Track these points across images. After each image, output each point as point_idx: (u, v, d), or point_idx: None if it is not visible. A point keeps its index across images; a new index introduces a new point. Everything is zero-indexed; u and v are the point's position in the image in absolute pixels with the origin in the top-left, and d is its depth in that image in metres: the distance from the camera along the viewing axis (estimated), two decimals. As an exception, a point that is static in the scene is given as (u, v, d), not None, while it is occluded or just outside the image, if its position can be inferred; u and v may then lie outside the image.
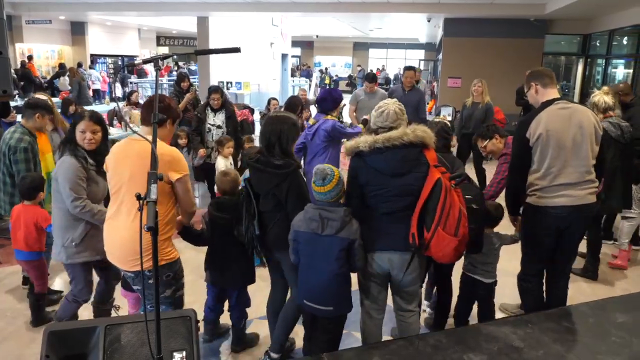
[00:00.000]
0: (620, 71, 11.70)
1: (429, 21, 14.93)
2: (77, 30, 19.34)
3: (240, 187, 3.23)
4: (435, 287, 3.62)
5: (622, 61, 11.65)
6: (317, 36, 27.63)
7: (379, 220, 2.67)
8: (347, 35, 25.19)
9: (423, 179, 2.56)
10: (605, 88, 4.64)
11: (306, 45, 29.91)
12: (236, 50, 1.89)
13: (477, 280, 3.31)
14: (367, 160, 2.63)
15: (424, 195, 2.54)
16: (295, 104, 5.26)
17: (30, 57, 16.48)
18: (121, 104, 9.65)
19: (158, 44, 27.48)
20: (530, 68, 3.86)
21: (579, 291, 4.20)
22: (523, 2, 11.11)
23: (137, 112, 8.28)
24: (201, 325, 3.21)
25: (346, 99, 6.94)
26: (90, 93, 16.31)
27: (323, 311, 2.70)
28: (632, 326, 2.64)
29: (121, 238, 2.56)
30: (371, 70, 25.42)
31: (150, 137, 2.45)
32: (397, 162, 2.58)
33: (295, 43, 23.56)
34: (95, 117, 3.06)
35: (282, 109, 4.98)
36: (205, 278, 3.33)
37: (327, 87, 24.31)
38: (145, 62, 1.93)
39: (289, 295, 3.13)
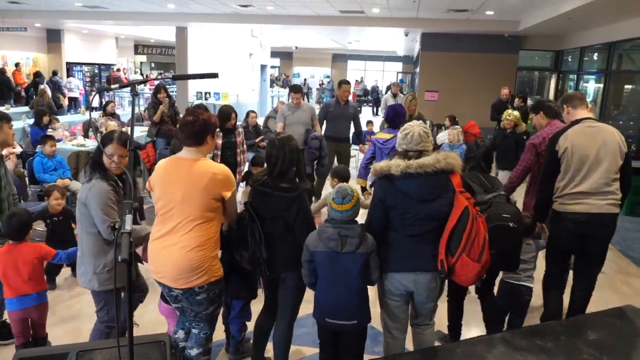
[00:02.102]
0: (591, 86, 12.02)
1: (406, 35, 15.13)
2: (53, 38, 19.01)
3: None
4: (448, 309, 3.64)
5: (593, 77, 11.97)
6: (296, 47, 27.71)
7: (404, 241, 2.73)
8: (326, 46, 25.34)
9: (449, 205, 2.65)
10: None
11: (285, 56, 29.96)
12: (214, 75, 1.89)
13: (523, 287, 3.54)
14: (397, 184, 2.67)
15: (452, 222, 2.62)
16: (228, 112, 5.25)
17: (17, 64, 16.20)
18: (97, 115, 9.52)
19: (136, 53, 27.23)
20: (505, 82, 4.46)
21: (604, 301, 4.14)
22: (498, 18, 11.37)
23: (113, 123, 8.16)
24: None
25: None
26: (67, 102, 16.06)
27: (347, 326, 2.74)
28: (603, 344, 2.69)
29: (175, 257, 2.57)
30: (310, 78, 25.24)
31: (195, 157, 2.58)
32: (427, 188, 2.65)
33: (274, 54, 23.59)
34: (124, 140, 2.89)
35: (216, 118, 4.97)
36: None
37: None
38: (122, 87, 1.91)
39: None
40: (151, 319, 3.77)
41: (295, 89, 6.60)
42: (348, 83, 6.83)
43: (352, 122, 6.81)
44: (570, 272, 3.77)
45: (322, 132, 6.60)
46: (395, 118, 4.68)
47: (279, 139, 2.89)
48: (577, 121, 3.43)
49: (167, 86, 8.31)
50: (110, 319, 3.02)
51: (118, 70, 22.98)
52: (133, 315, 3.23)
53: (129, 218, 1.38)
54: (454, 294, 3.51)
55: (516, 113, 6.27)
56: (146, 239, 2.94)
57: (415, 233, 2.70)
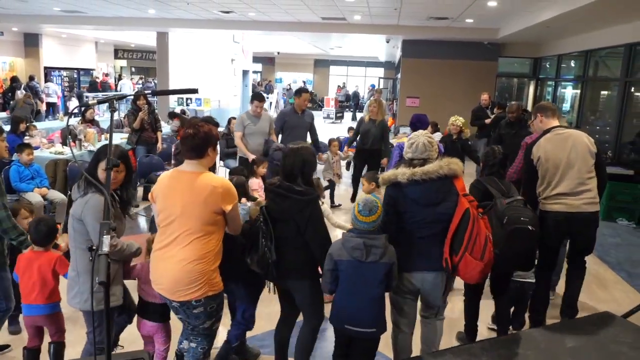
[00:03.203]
0: (569, 92, 12.26)
1: (387, 42, 15.24)
2: (31, 42, 18.69)
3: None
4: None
5: (570, 83, 12.21)
6: (278, 53, 27.69)
7: (414, 243, 2.90)
8: (308, 52, 25.37)
9: (454, 208, 2.83)
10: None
11: (267, 61, 29.92)
12: (194, 91, 1.89)
13: (527, 283, 3.75)
14: (404, 190, 2.85)
15: (454, 223, 2.81)
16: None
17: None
18: (76, 121, 9.38)
19: (116, 57, 26.93)
20: (484, 89, 4.68)
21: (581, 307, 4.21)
22: (478, 26, 11.53)
23: (92, 131, 8.05)
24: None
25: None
26: (44, 107, 15.81)
27: (366, 333, 2.82)
28: (581, 351, 2.73)
29: (172, 270, 2.58)
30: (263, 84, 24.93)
31: (196, 169, 2.58)
32: (432, 193, 2.83)
33: (256, 59, 23.56)
34: (119, 155, 2.82)
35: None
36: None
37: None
38: (100, 102, 1.89)
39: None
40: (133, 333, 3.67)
41: (260, 98, 6.32)
42: (307, 92, 6.66)
43: (308, 132, 6.65)
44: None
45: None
46: (417, 124, 5.45)
47: (294, 148, 2.98)
48: (548, 130, 3.74)
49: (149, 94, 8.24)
50: (102, 340, 2.90)
51: (106, 75, 22.73)
52: (113, 335, 3.17)
53: (106, 239, 1.36)
54: (470, 294, 3.65)
55: (462, 119, 6.60)
56: (136, 254, 2.90)
57: (424, 235, 2.89)
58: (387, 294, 2.93)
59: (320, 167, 6.65)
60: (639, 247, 6.38)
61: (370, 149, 7.07)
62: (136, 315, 3.14)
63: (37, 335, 3.14)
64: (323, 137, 7.67)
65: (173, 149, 4.33)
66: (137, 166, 7.23)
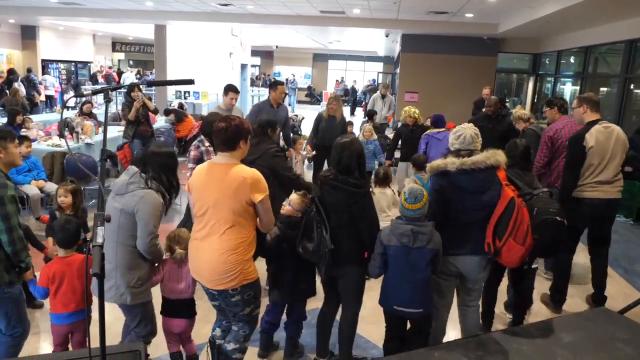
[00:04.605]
0: (568, 88, 12.23)
1: (387, 36, 15.19)
2: (28, 35, 18.60)
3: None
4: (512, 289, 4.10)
5: (570, 79, 12.19)
6: (276, 46, 27.59)
7: (459, 229, 3.08)
8: (307, 46, 25.27)
9: (497, 196, 3.00)
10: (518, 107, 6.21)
11: (266, 55, 29.82)
12: (190, 82, 1.86)
13: (533, 269, 3.93)
14: (452, 179, 3.02)
15: (499, 210, 2.98)
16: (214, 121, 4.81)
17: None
18: (73, 114, 9.34)
19: (114, 50, 26.84)
20: (483, 84, 5.02)
21: (576, 304, 4.35)
22: (477, 21, 11.48)
23: (89, 123, 8.02)
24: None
25: (304, 109, 6.95)
26: (43, 98, 15.74)
27: (415, 313, 3.00)
28: (576, 346, 2.74)
29: (208, 259, 2.70)
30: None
31: (228, 161, 2.66)
32: (479, 182, 3.01)
33: (254, 52, 23.47)
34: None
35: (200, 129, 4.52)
36: (271, 297, 3.42)
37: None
38: (95, 92, 1.87)
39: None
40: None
41: (235, 89, 6.00)
42: (283, 84, 6.48)
43: (284, 125, 6.36)
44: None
45: None
46: (438, 122, 6.40)
47: (345, 142, 3.11)
48: (595, 122, 4.09)
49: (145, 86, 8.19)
50: (147, 333, 2.97)
51: (110, 67, 22.65)
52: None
53: (100, 230, 1.35)
54: (490, 280, 3.76)
55: (415, 110, 6.98)
56: (163, 261, 3.01)
57: (468, 221, 3.07)
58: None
59: None
60: (636, 244, 6.39)
61: (330, 145, 6.84)
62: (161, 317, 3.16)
63: (66, 342, 3.07)
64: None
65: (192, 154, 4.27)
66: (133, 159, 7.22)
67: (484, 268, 3.19)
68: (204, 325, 3.56)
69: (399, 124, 7.69)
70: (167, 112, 10.74)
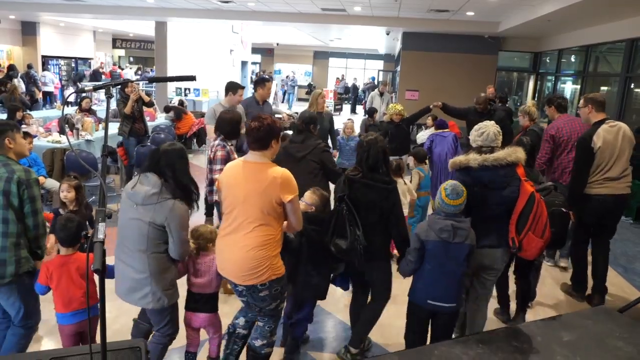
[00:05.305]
0: (569, 87, 12.22)
1: (387, 34, 15.16)
2: (28, 31, 18.58)
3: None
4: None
5: (570, 78, 12.17)
6: (277, 44, 27.56)
7: (479, 223, 3.11)
8: (308, 44, 25.26)
9: (517, 191, 3.11)
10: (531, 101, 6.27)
11: (266, 52, 29.78)
12: (192, 78, 1.86)
13: (538, 262, 4.13)
14: (474, 175, 3.11)
15: (520, 205, 3.09)
16: (237, 119, 4.53)
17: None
18: (73, 110, 9.34)
19: (114, 47, 26.81)
20: (485, 83, 5.22)
21: (574, 302, 4.43)
22: (478, 19, 11.47)
23: (89, 120, 8.02)
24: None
25: (304, 107, 6.92)
26: (41, 95, 15.72)
27: (447, 308, 3.04)
28: (575, 344, 2.74)
29: (236, 256, 2.74)
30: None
31: (259, 160, 2.71)
32: (500, 178, 3.11)
33: (255, 50, 23.45)
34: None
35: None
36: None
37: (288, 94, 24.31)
38: (97, 88, 1.87)
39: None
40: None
41: (242, 86, 5.79)
42: (270, 81, 6.28)
43: None
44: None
45: None
46: (442, 125, 7.19)
47: (371, 140, 3.20)
48: (601, 122, 4.24)
49: (146, 82, 8.15)
50: (173, 332, 3.00)
51: (115, 64, 22.62)
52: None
53: (101, 226, 1.35)
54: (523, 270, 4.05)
55: (399, 107, 7.12)
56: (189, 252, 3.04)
57: (488, 216, 3.15)
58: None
59: None
60: (635, 243, 6.41)
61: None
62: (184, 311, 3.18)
63: (76, 343, 3.05)
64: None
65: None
66: (132, 157, 7.21)
67: (504, 260, 3.30)
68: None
69: (383, 121, 7.84)
70: (167, 110, 10.73)
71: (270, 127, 2.77)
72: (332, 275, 3.47)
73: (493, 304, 4.04)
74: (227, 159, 4.14)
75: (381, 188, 3.11)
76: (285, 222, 2.88)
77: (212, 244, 3.09)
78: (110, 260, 2.98)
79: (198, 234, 3.12)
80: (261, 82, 6.14)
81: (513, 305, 4.18)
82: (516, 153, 3.12)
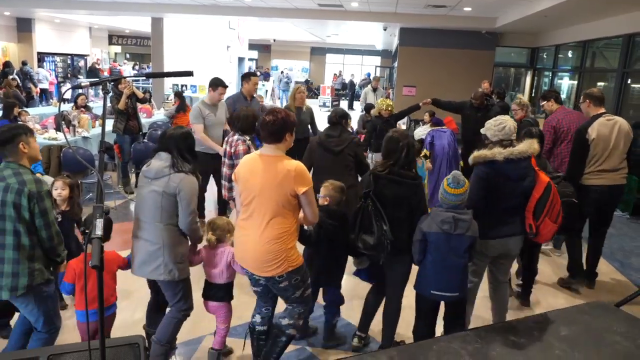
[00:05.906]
0: (566, 82, 12.23)
1: (385, 30, 15.14)
2: (24, 27, 18.45)
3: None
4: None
5: (568, 74, 12.18)
6: (274, 40, 27.49)
7: (500, 214, 3.31)
8: (305, 40, 25.20)
9: (533, 181, 3.32)
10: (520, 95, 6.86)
11: (263, 48, 29.71)
12: (189, 73, 1.86)
13: (538, 246, 4.35)
14: (498, 167, 3.23)
15: (537, 193, 3.31)
16: (254, 116, 4.53)
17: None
18: (69, 107, 9.29)
19: (110, 43, 26.66)
20: (482, 78, 5.51)
21: (572, 297, 4.39)
22: (475, 15, 11.46)
23: (86, 117, 7.99)
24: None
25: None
26: (37, 92, 15.66)
27: (451, 297, 3.14)
28: (573, 339, 2.75)
29: (253, 247, 2.81)
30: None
31: (274, 153, 2.76)
32: (521, 170, 3.27)
33: (252, 46, 23.37)
34: None
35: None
36: None
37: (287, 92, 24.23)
38: (93, 84, 1.86)
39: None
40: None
41: (224, 84, 5.68)
42: (256, 75, 6.21)
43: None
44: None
45: None
46: (439, 122, 7.06)
47: (396, 136, 3.25)
48: (599, 115, 4.43)
49: (143, 79, 8.10)
50: (188, 306, 3.11)
51: (114, 61, 22.50)
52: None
53: (99, 222, 1.34)
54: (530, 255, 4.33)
55: (389, 102, 7.12)
56: (201, 239, 3.19)
57: (509, 206, 3.32)
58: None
59: None
60: (632, 238, 6.43)
61: (300, 138, 6.65)
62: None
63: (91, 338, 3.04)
64: (320, 127, 7.54)
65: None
66: (126, 155, 7.17)
67: (521, 246, 3.48)
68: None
69: (371, 116, 7.88)
70: (178, 95, 10.45)
71: (285, 120, 2.82)
72: (356, 269, 3.54)
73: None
74: (248, 153, 4.15)
75: (410, 184, 3.17)
76: (301, 215, 2.93)
77: (230, 234, 3.23)
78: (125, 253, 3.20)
79: (216, 226, 3.25)
80: (247, 76, 6.11)
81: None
82: (533, 145, 3.28)
